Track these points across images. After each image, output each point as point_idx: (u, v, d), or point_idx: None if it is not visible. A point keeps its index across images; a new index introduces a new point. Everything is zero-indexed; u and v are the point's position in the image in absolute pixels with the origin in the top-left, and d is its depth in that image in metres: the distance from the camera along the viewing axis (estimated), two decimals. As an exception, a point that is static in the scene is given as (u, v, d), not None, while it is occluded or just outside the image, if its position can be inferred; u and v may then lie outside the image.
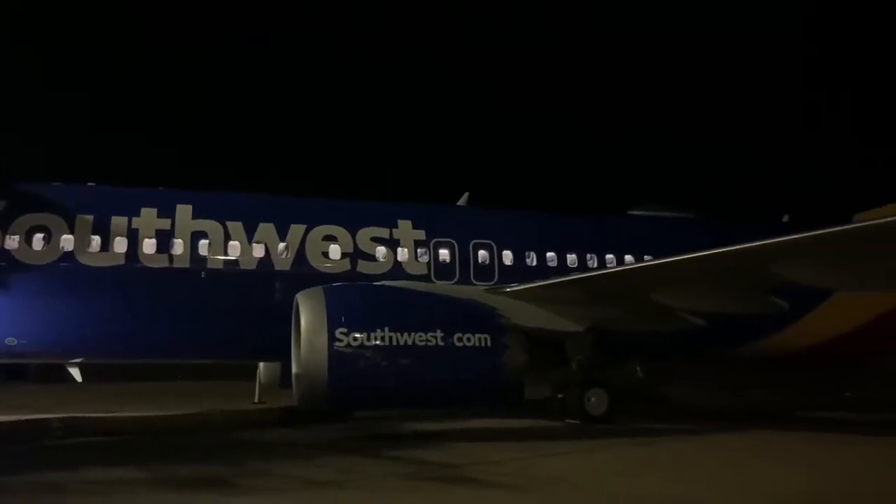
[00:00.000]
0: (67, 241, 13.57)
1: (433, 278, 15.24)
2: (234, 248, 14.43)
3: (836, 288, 15.37)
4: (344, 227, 15.18)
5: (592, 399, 14.17)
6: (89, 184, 15.22)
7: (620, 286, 13.87)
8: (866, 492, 8.00)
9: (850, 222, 14.13)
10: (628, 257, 16.51)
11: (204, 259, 14.24)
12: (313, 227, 15.00)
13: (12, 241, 13.32)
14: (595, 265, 16.43)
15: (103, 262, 13.65)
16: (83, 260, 13.55)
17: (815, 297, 16.65)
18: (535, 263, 16.11)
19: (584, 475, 9.02)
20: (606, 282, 13.94)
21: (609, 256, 16.63)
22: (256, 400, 16.88)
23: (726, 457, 10.58)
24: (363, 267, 14.94)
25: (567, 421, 14.26)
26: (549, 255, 16.28)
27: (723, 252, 12.28)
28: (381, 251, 15.21)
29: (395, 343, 11.68)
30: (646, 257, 15.78)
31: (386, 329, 11.69)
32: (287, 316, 12.56)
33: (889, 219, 12.04)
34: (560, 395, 14.79)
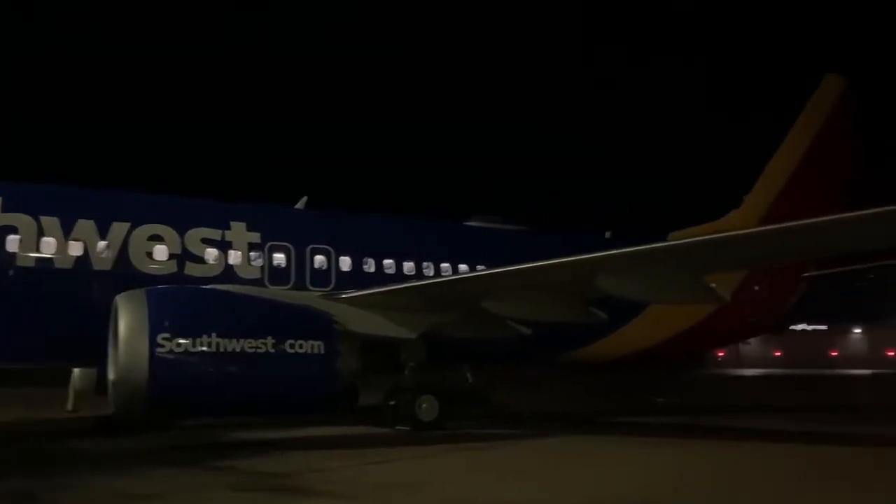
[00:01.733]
0: None
1: (267, 283, 14.88)
2: (48, 246, 13.39)
3: (650, 301, 16.49)
4: (171, 227, 14.48)
5: (423, 405, 14.36)
6: None
7: (453, 294, 14.19)
8: (676, 490, 8.65)
9: (665, 240, 15.23)
10: (463, 266, 16.93)
11: (13, 256, 13.12)
12: (138, 225, 14.20)
13: None
14: (431, 273, 16.70)
15: None
16: None
17: (631, 309, 17.81)
18: (372, 270, 16.13)
19: (417, 480, 9.12)
20: (440, 290, 14.22)
21: (445, 265, 16.96)
22: (70, 408, 15.68)
23: (550, 460, 11.07)
24: (191, 269, 14.33)
25: (397, 427, 14.37)
26: (387, 262, 16.36)
27: (549, 264, 12.86)
28: (211, 253, 14.65)
29: (223, 350, 11.28)
30: (479, 267, 16.27)
31: (213, 335, 11.27)
32: (105, 319, 11.81)
33: (696, 238, 13.17)
34: (392, 402, 14.89)
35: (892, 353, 72.43)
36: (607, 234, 20.40)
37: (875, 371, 58.03)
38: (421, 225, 18.54)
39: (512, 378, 23.53)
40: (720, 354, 64.48)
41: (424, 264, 16.78)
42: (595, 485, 8.85)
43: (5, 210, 13.33)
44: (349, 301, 13.69)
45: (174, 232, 14.43)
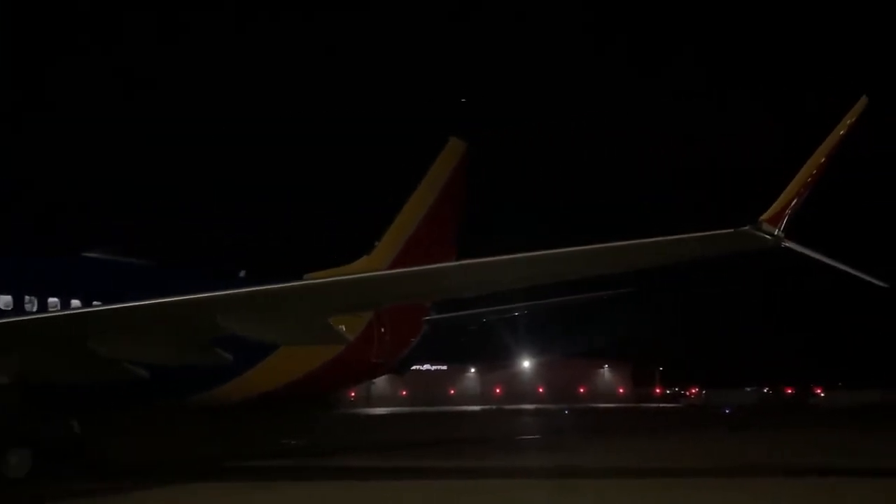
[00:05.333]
0: None
1: None
2: None
3: (278, 342, 16.32)
4: None
5: (13, 459, 12.67)
6: None
7: (55, 333, 12.63)
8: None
9: (300, 280, 15.30)
10: (75, 302, 15.13)
11: None
12: None
13: None
14: (35, 309, 14.64)
15: None
16: None
17: (260, 350, 17.46)
18: None
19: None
20: (39, 328, 12.59)
21: (53, 300, 15.00)
22: None
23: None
24: None
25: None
26: (-25, 295, 14.01)
27: (167, 302, 12.11)
28: None
29: None
30: (95, 303, 14.71)
31: None
32: None
33: (315, 281, 13.44)
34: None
35: (499, 391, 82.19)
36: (242, 273, 19.95)
37: (484, 407, 65.17)
38: (25, 256, 16.27)
39: (129, 424, 21.60)
40: (352, 395, 66.87)
41: (27, 298, 14.68)
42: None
43: None
44: None
45: None
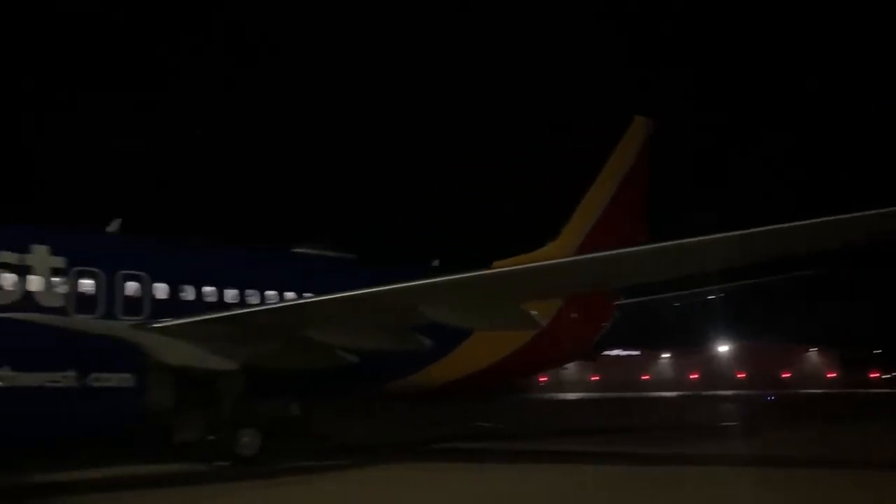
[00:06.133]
0: None
1: (72, 312, 13.74)
2: None
3: (473, 328, 16.83)
4: None
5: (245, 439, 13.85)
6: None
7: (275, 323, 13.78)
8: None
9: (489, 269, 15.68)
10: (289, 294, 16.48)
11: None
12: None
13: None
14: (257, 301, 16.12)
15: None
16: None
17: (456, 336, 18.09)
18: (191, 298, 15.34)
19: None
20: (262, 319, 13.76)
21: (270, 293, 16.44)
22: None
23: (377, 491, 10.94)
24: None
25: (216, 463, 13.67)
26: (208, 289, 15.63)
27: (375, 292, 12.85)
28: (7, 279, 13.36)
29: (16, 384, 10.31)
30: (306, 294, 15.91)
31: (6, 368, 10.27)
32: None
33: (508, 268, 13.67)
34: (210, 437, 14.17)
35: (694, 377, 78.93)
36: (435, 263, 20.71)
37: (680, 393, 62.81)
38: (246, 252, 17.93)
39: (334, 408, 23.11)
40: (542, 380, 67.11)
41: (249, 292, 16.19)
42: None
43: None
44: (162, 331, 12.91)
45: None
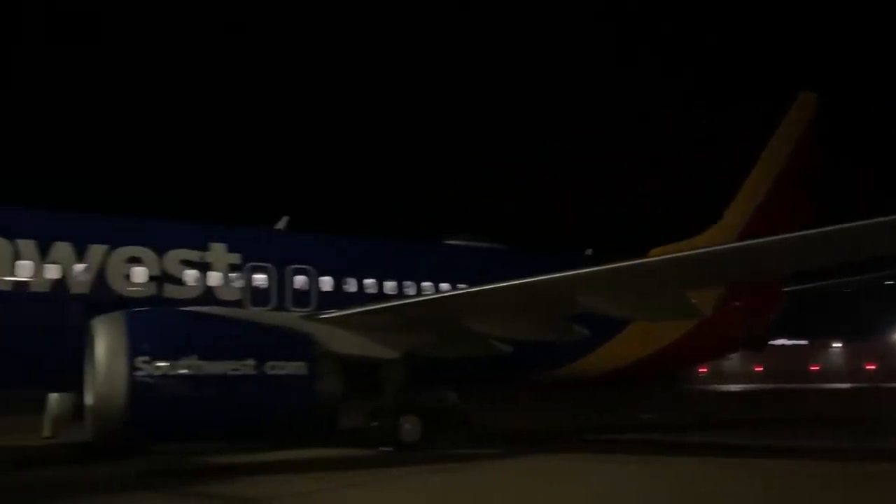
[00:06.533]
0: None
1: (248, 304, 14.75)
2: (24, 269, 13.20)
3: (631, 317, 16.49)
4: (150, 249, 14.33)
5: (406, 426, 14.30)
6: None
7: (434, 313, 14.14)
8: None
9: (645, 257, 15.31)
10: (444, 285, 16.87)
11: (-12, 279, 12.91)
12: (116, 247, 14.04)
13: None
14: (413, 292, 16.62)
15: None
16: None
17: (613, 326, 17.81)
18: (354, 290, 16.04)
19: (397, 503, 9.04)
20: (421, 309, 14.15)
21: (426, 284, 16.90)
22: (46, 434, 15.42)
23: (534, 481, 10.99)
24: (170, 292, 14.17)
25: (381, 449, 14.26)
26: (368, 281, 16.28)
27: (531, 282, 12.88)
28: (190, 275, 14.51)
29: (202, 372, 11.18)
30: (460, 285, 16.23)
31: (194, 357, 11.17)
32: (83, 343, 11.67)
33: (673, 255, 13.25)
34: (375, 423, 14.77)
35: (871, 367, 73.03)
36: (588, 252, 20.46)
37: (855, 385, 58.45)
38: (402, 244, 18.50)
39: (492, 397, 23.40)
40: (702, 370, 64.64)
41: (406, 283, 16.71)
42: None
43: (-20, 233, 13.13)
44: (330, 321, 13.60)
45: (153, 253, 14.28)
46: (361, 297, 15.78)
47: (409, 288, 16.71)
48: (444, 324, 14.17)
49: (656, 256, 14.83)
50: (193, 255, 14.67)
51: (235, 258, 15.03)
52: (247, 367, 11.47)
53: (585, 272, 12.94)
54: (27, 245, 13.33)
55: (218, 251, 14.95)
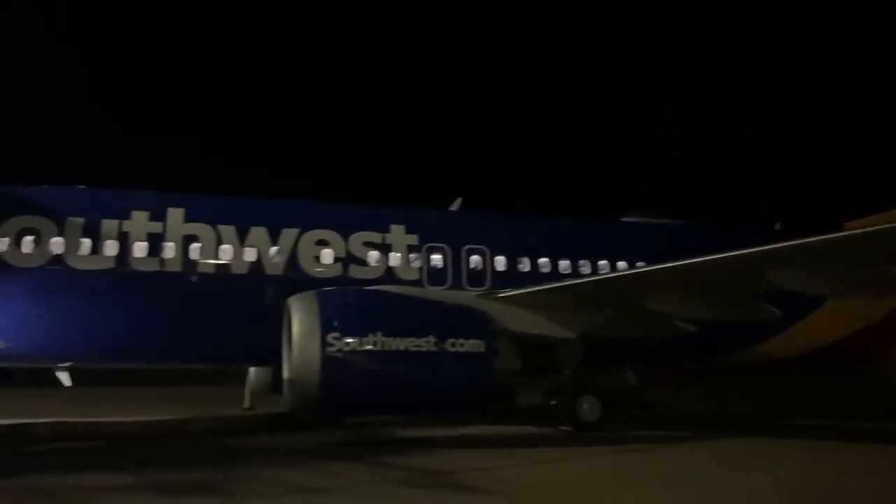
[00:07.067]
0: (57, 244, 13.43)
1: (425, 284, 15.18)
2: (226, 252, 14.33)
3: (828, 295, 15.34)
4: (336, 232, 15.10)
5: (585, 406, 14.19)
6: (80, 187, 15.10)
7: (612, 293, 13.88)
8: (857, 493, 7.99)
9: (841, 230, 14.15)
10: (621, 264, 16.50)
11: (195, 263, 14.14)
12: (306, 231, 14.91)
13: (2, 244, 13.19)
14: (588, 271, 16.38)
15: (93, 265, 13.54)
16: (73, 263, 13.43)
17: (807, 304, 16.65)
18: (528, 269, 16.07)
19: (577, 483, 8.99)
20: (598, 288, 13.93)
21: (602, 262, 16.60)
22: (246, 405, 16.74)
23: (715, 466, 10.55)
24: (355, 272, 14.87)
25: (559, 428, 14.25)
26: (542, 260, 16.24)
27: (715, 259, 12.30)
28: (373, 256, 15.14)
29: (387, 348, 11.64)
30: (638, 263, 15.82)
31: (378, 334, 11.65)
32: (278, 320, 12.52)
33: (876, 227, 12.13)
34: (553, 402, 14.77)
35: None
36: (777, 226, 19.24)
37: None
38: (576, 223, 18.26)
39: (669, 379, 22.61)
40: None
41: (581, 262, 16.51)
42: (755, 494, 8.31)
43: (188, 220, 14.39)
44: (506, 300, 13.71)
45: (339, 236, 15.03)
46: (536, 276, 15.77)
47: (584, 267, 16.48)
48: (623, 303, 13.86)
49: (854, 230, 13.65)
50: (375, 237, 15.29)
51: (413, 239, 15.50)
52: (428, 343, 11.81)
53: (777, 247, 12.16)
54: (228, 231, 14.46)
55: (397, 233, 15.48)
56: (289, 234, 14.75)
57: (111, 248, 13.69)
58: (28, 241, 13.31)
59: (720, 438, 13.45)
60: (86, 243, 13.57)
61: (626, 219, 18.91)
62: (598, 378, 14.90)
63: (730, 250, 12.27)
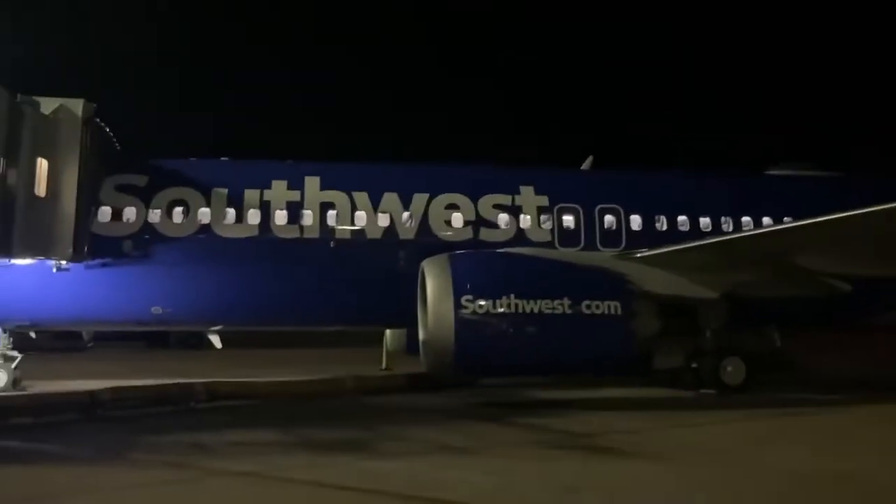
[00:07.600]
0: (204, 214, 14.12)
1: (557, 245, 14.91)
2: (361, 219, 14.60)
3: None
4: (466, 195, 15.05)
5: (729, 368, 13.68)
6: (223, 158, 15.79)
7: (760, 250, 13.14)
8: None
9: None
10: (766, 220, 15.53)
11: (332, 229, 14.50)
12: (436, 195, 14.95)
13: (154, 215, 13.98)
14: (730, 229, 15.52)
15: (238, 233, 14.15)
16: (219, 232, 14.09)
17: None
18: (665, 228, 15.43)
19: (725, 446, 8.69)
20: (745, 245, 13.23)
21: (745, 219, 15.68)
22: (384, 366, 17.17)
23: (870, 430, 9.88)
24: (485, 235, 14.78)
25: (702, 391, 13.76)
26: (681, 218, 15.53)
27: (871, 212, 11.37)
28: (503, 218, 15.00)
29: (520, 310, 11.56)
30: (785, 219, 14.88)
31: (511, 296, 11.58)
32: (411, 283, 12.67)
33: None
34: (694, 365, 14.25)
35: None
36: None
37: None
38: (716, 178, 17.32)
39: (812, 340, 21.33)
40: None
41: (723, 219, 15.69)
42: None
43: (323, 188, 14.75)
44: (644, 260, 13.28)
45: (468, 200, 14.98)
46: (674, 235, 15.14)
47: (726, 224, 15.65)
48: (770, 261, 13.11)
49: None
50: (505, 199, 15.13)
51: (543, 200, 15.22)
52: (562, 305, 11.64)
53: None
54: (362, 197, 14.71)
55: (527, 194, 15.25)
56: (420, 199, 14.83)
57: (254, 216, 14.26)
58: (178, 212, 14.06)
59: (875, 401, 12.60)
60: (230, 213, 14.19)
61: (771, 172, 17.79)
62: (743, 339, 14.24)
63: (885, 203, 11.31)
